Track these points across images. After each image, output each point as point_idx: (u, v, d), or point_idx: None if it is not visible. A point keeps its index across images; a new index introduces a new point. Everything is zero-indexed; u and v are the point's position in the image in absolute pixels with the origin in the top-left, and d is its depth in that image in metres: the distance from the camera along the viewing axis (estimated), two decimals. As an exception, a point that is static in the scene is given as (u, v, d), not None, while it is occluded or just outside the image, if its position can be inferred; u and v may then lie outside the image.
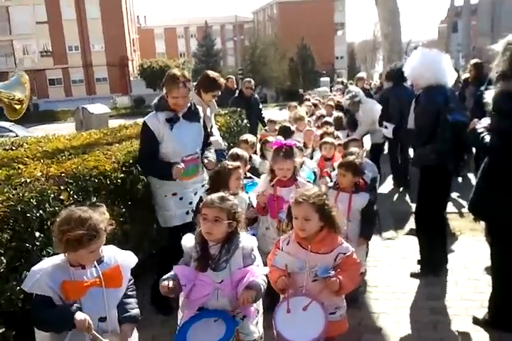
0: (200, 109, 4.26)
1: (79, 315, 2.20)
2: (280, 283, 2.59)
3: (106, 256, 2.43)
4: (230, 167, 3.69)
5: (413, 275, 4.39)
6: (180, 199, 3.97)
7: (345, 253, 2.65)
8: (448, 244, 5.07)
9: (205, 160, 4.06)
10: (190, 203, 4.01)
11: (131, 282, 2.53)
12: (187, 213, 4.00)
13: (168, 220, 4.02)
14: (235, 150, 4.40)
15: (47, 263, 2.36)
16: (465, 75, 8.66)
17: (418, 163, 4.38)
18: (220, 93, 5.25)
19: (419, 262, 4.53)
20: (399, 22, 13.96)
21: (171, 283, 2.47)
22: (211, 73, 5.19)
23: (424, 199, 4.38)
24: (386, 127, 5.16)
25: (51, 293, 2.25)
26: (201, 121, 4.18)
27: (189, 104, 4.03)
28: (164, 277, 2.56)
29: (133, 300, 2.48)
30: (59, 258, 2.36)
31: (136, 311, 2.45)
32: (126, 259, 2.51)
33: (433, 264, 4.40)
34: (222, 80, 5.20)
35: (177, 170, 3.76)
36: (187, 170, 3.88)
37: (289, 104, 10.80)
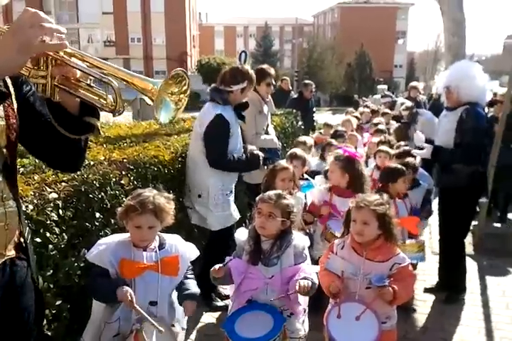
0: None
1: (122, 288, 2.26)
2: (334, 287, 2.57)
3: (168, 243, 2.49)
4: (276, 167, 3.68)
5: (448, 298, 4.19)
6: (232, 197, 4.00)
7: (400, 264, 2.60)
8: (501, 266, 4.92)
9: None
10: (233, 199, 4.02)
11: (190, 268, 2.59)
12: (234, 210, 4.01)
13: (223, 221, 3.87)
14: (295, 150, 4.39)
15: (114, 238, 2.47)
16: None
17: (454, 184, 4.06)
18: (273, 81, 5.18)
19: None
20: (464, 33, 13.56)
21: (219, 266, 2.53)
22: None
23: (452, 223, 4.17)
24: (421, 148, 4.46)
25: (109, 267, 2.35)
26: None
27: None
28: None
29: (192, 281, 2.53)
30: (125, 236, 2.45)
31: (196, 290, 2.49)
32: (188, 251, 2.56)
33: (451, 292, 4.22)
34: (271, 69, 5.12)
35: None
36: None
37: (347, 109, 10.69)
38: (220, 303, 3.92)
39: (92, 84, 1.44)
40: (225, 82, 3.87)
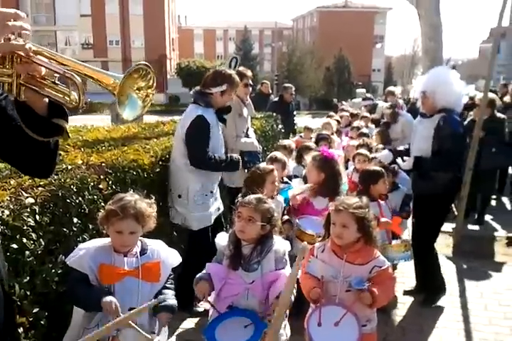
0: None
1: (107, 298, 2.22)
2: (314, 294, 2.56)
3: (149, 249, 2.46)
4: (265, 170, 3.68)
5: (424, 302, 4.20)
6: (215, 199, 4.05)
7: (380, 267, 2.61)
8: (479, 268, 4.99)
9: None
10: (216, 199, 4.09)
11: (171, 276, 2.55)
12: (218, 210, 4.09)
13: (203, 220, 3.94)
14: (275, 153, 4.41)
15: (94, 243, 2.43)
16: (506, 98, 8.52)
17: (431, 191, 4.04)
18: (251, 82, 5.24)
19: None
20: (441, 38, 13.78)
21: (206, 287, 2.51)
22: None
23: (425, 227, 4.16)
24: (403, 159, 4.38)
25: (88, 272, 2.31)
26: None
27: None
28: (198, 276, 2.59)
29: (170, 292, 2.49)
30: (106, 241, 2.41)
31: (173, 301, 2.45)
32: (170, 257, 2.52)
33: (428, 293, 4.24)
34: (247, 70, 5.18)
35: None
36: None
37: (329, 113, 10.74)
38: (200, 309, 3.89)
39: (56, 82, 1.43)
40: (206, 85, 3.97)
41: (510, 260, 5.20)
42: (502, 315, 4.01)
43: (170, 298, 2.45)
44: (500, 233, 6.20)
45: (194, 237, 3.99)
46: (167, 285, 2.50)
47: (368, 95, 14.49)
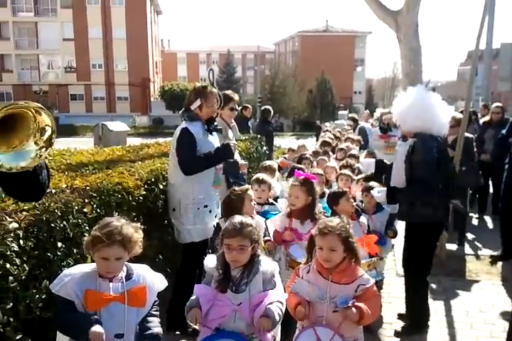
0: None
1: (95, 328, 2.19)
2: (299, 313, 2.56)
3: (135, 274, 2.43)
4: (242, 191, 3.71)
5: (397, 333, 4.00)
6: (210, 212, 4.05)
7: (365, 285, 2.62)
8: (463, 287, 5.02)
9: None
10: (215, 216, 4.10)
11: (156, 303, 2.51)
12: (214, 226, 4.07)
13: (196, 234, 4.00)
14: (260, 174, 4.43)
15: (78, 269, 2.39)
16: (485, 118, 8.69)
17: (418, 220, 3.87)
18: (236, 106, 5.37)
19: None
20: (421, 61, 14.09)
21: (198, 314, 2.51)
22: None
23: (415, 256, 3.97)
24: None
25: (75, 299, 2.28)
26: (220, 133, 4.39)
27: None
28: (188, 304, 2.57)
29: (156, 319, 2.45)
30: (91, 267, 2.38)
31: (158, 329, 2.41)
32: (155, 281, 2.49)
33: (415, 321, 4.06)
34: (235, 94, 5.30)
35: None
36: (218, 178, 4.09)
37: (322, 134, 10.97)
38: (190, 329, 3.84)
39: None
40: (186, 105, 4.15)
41: (493, 278, 5.23)
42: (488, 333, 4.02)
43: (155, 325, 2.41)
44: (484, 252, 6.26)
45: (187, 251, 4.06)
46: (152, 312, 2.46)
47: (351, 115, 14.80)
